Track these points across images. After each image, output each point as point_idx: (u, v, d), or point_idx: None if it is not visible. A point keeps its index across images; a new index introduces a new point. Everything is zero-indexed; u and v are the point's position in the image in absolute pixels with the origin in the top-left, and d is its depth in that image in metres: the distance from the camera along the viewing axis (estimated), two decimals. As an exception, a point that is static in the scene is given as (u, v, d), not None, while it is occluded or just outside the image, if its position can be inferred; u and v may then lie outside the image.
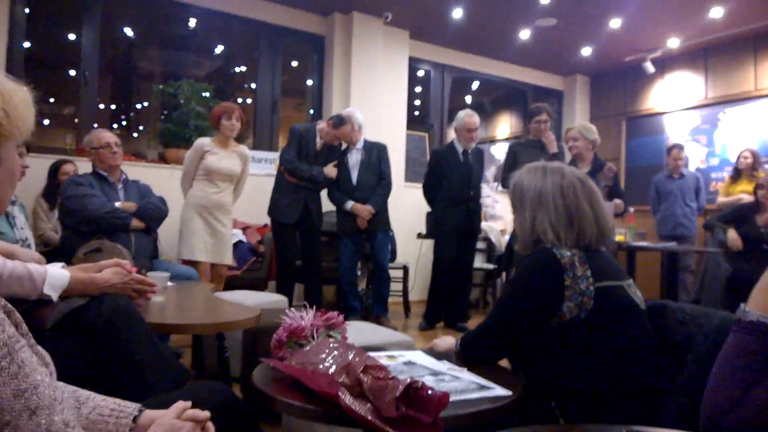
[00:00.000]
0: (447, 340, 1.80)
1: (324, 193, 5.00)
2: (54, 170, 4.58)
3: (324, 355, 1.31)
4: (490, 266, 6.51)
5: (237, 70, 8.59)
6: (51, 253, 3.79)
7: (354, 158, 4.94)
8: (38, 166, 4.54)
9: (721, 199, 6.20)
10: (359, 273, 5.43)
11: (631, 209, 5.10)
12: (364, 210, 4.80)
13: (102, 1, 5.35)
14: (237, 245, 5.00)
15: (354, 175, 4.92)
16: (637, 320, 1.51)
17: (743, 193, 5.83)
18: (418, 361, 1.56)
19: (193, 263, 4.03)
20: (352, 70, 6.29)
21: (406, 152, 6.92)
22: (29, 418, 0.73)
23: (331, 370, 1.24)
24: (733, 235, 4.91)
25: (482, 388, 1.34)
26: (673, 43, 6.79)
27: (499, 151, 9.75)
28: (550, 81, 8.36)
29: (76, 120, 5.50)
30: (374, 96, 6.41)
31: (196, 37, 7.21)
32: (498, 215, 7.14)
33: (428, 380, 1.36)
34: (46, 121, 8.97)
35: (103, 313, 1.64)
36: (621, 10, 5.96)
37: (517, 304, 1.52)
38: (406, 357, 1.60)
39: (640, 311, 1.53)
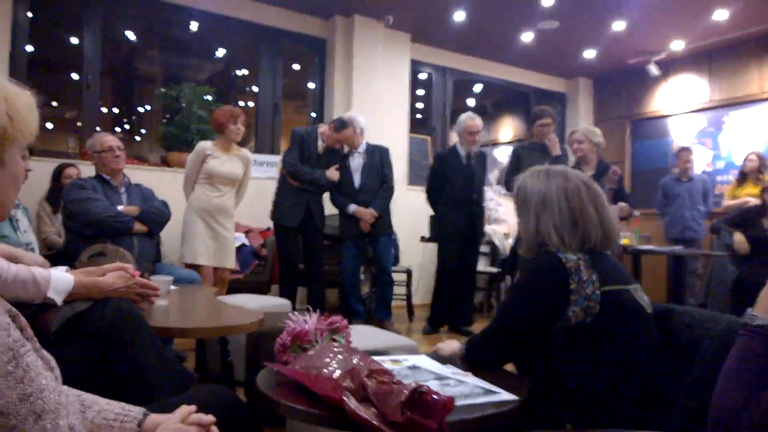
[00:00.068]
0: (451, 344, 1.79)
1: (326, 197, 4.99)
2: (57, 174, 4.60)
3: (328, 360, 1.31)
4: (494, 270, 6.50)
5: (238, 73, 8.60)
6: (54, 256, 3.79)
7: (356, 161, 4.94)
8: (41, 170, 4.55)
9: (726, 202, 6.19)
10: (362, 276, 5.42)
11: (636, 212, 5.09)
12: (367, 213, 4.79)
13: (104, 5, 5.36)
14: (240, 249, 5.00)
15: (356, 179, 4.91)
16: (644, 324, 1.50)
17: (749, 196, 5.82)
18: (422, 365, 1.56)
19: (196, 267, 4.03)
20: (354, 73, 6.29)
21: (409, 155, 6.92)
22: (35, 422, 0.72)
23: (336, 375, 1.24)
24: (739, 239, 4.89)
25: (488, 392, 1.33)
26: (677, 45, 6.78)
27: (502, 154, 9.74)
28: (553, 84, 8.36)
29: (79, 123, 5.51)
30: (376, 99, 6.41)
31: (197, 41, 7.22)
32: (501, 218, 7.13)
33: (433, 385, 1.35)
34: (49, 125, 9.00)
35: (106, 317, 1.64)
36: (624, 12, 5.95)
37: (522, 309, 1.51)
38: (410, 361, 1.59)
39: (646, 315, 1.52)
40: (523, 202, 1.67)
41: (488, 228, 6.44)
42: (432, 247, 5.83)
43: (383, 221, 4.89)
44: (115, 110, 9.95)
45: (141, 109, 10.10)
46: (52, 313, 1.64)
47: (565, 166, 1.81)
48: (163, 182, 4.95)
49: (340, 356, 1.32)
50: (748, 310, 1.07)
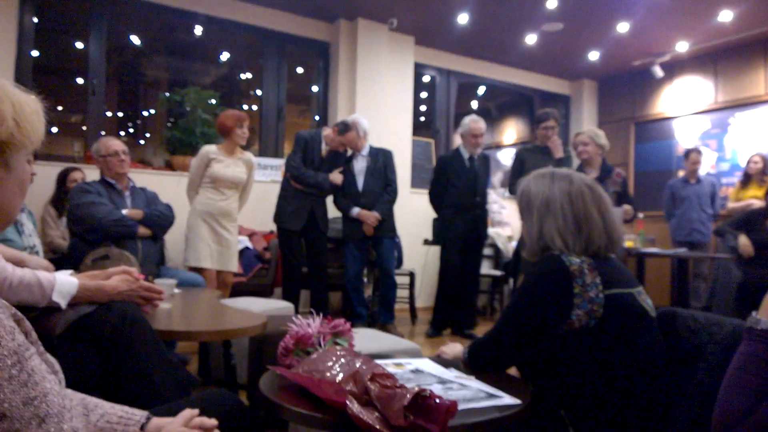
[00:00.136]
0: (454, 347, 1.79)
1: (329, 200, 5.00)
2: (62, 178, 4.61)
3: (331, 363, 1.31)
4: (498, 273, 6.49)
5: (243, 77, 8.63)
6: (59, 260, 3.80)
7: (359, 165, 4.94)
8: (46, 174, 4.57)
9: (730, 204, 6.17)
10: (365, 280, 5.42)
11: (641, 215, 5.07)
12: (371, 217, 4.80)
13: (109, 10, 5.38)
14: (243, 252, 5.01)
15: (360, 182, 4.92)
16: (648, 328, 1.50)
17: (753, 198, 5.80)
18: (425, 369, 1.56)
19: (200, 270, 4.04)
20: (358, 77, 6.30)
21: (412, 158, 6.92)
22: (38, 426, 0.73)
23: (339, 378, 1.24)
24: (744, 241, 4.87)
25: (491, 396, 1.33)
26: (682, 47, 6.77)
27: (506, 157, 9.73)
28: (557, 86, 8.35)
29: (84, 128, 5.53)
30: (379, 102, 6.41)
31: (202, 45, 7.25)
32: (505, 221, 7.12)
33: (436, 388, 1.35)
34: (54, 129, 9.03)
35: (110, 321, 1.64)
36: (629, 14, 5.95)
37: (526, 312, 1.51)
38: (413, 365, 1.59)
39: (650, 319, 1.52)
40: (527, 205, 1.67)
41: (491, 231, 6.44)
42: (435, 250, 5.83)
43: (386, 224, 4.89)
44: (120, 114, 10.00)
45: (146, 113, 10.14)
46: (56, 316, 1.65)
47: (569, 169, 1.81)
48: (167, 186, 4.97)
49: (343, 360, 1.32)
50: (752, 313, 1.07)
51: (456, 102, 7.54)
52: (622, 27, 6.24)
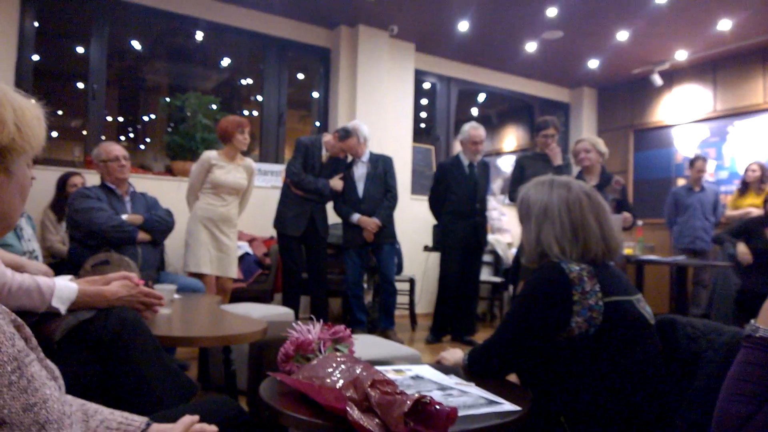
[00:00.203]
0: (455, 353, 1.79)
1: (330, 206, 5.00)
2: (62, 182, 4.61)
3: (331, 369, 1.31)
4: (497, 279, 6.49)
5: (243, 82, 8.64)
6: (59, 264, 3.81)
7: (360, 171, 4.95)
8: (46, 178, 4.57)
9: (728, 212, 6.18)
10: (365, 286, 5.42)
11: (640, 222, 5.08)
12: (371, 223, 4.80)
13: (110, 15, 5.40)
14: (243, 257, 5.01)
15: (360, 188, 4.92)
16: (647, 335, 1.50)
17: (751, 207, 5.81)
18: (425, 375, 1.56)
19: (200, 276, 4.04)
20: (358, 83, 6.31)
21: (412, 165, 6.93)
22: (38, 433, 0.73)
23: (339, 385, 1.24)
24: (742, 249, 4.88)
25: (491, 403, 1.33)
26: (681, 55, 6.79)
27: (506, 164, 9.75)
28: (557, 93, 8.37)
29: (84, 132, 5.54)
30: (380, 108, 6.43)
31: (202, 51, 7.27)
32: (504, 228, 7.13)
33: (436, 395, 1.35)
34: (55, 134, 9.04)
35: (110, 326, 1.64)
36: (628, 22, 5.97)
37: (526, 319, 1.51)
38: (413, 371, 1.59)
39: (649, 326, 1.52)
40: (526, 212, 1.68)
41: (491, 237, 6.44)
42: (435, 257, 5.82)
43: (387, 231, 4.90)
44: (121, 119, 10.01)
45: (146, 118, 10.15)
46: (56, 322, 1.64)
47: (569, 176, 1.82)
48: (167, 191, 4.97)
49: (343, 366, 1.32)
50: (751, 321, 1.07)
51: (456, 109, 7.56)
52: (622, 35, 6.26)
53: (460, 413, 1.17)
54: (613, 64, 7.23)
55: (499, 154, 10.17)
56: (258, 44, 6.26)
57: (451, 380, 1.51)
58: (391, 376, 1.47)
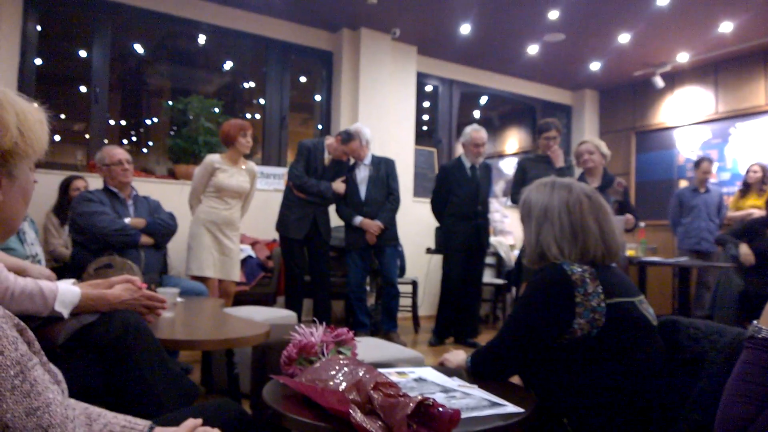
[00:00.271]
0: (458, 355, 1.79)
1: (332, 209, 5.00)
2: (65, 186, 4.62)
3: (334, 372, 1.31)
4: (500, 281, 6.48)
5: (246, 86, 8.66)
6: (61, 268, 3.81)
7: (362, 174, 4.95)
8: (49, 182, 4.58)
9: (730, 213, 6.17)
10: (368, 288, 5.42)
11: (642, 224, 5.07)
12: (373, 225, 4.80)
13: (112, 19, 5.41)
14: (246, 260, 5.02)
15: (362, 191, 4.93)
16: (649, 337, 1.50)
17: (753, 208, 5.80)
18: (428, 377, 1.55)
19: (202, 279, 4.05)
20: (360, 86, 6.32)
21: (414, 167, 6.93)
22: (41, 436, 0.73)
23: (342, 387, 1.24)
24: (745, 250, 4.87)
25: (494, 405, 1.33)
26: (683, 57, 6.78)
27: (508, 166, 9.75)
28: (559, 96, 8.37)
29: (87, 136, 5.55)
30: (382, 111, 6.43)
31: (205, 54, 7.28)
32: (507, 230, 7.12)
33: (439, 397, 1.35)
34: (57, 137, 9.03)
35: (113, 330, 1.64)
36: (630, 25, 5.97)
37: (528, 321, 1.51)
38: (416, 373, 1.59)
39: (651, 328, 1.52)
40: (527, 213, 1.69)
41: (494, 239, 6.44)
42: (437, 259, 5.82)
43: (389, 233, 4.90)
44: (123, 123, 10.04)
45: (148, 122, 10.18)
46: (59, 325, 1.64)
47: (571, 178, 1.82)
48: (170, 194, 4.98)
49: (346, 369, 1.32)
50: (753, 322, 1.07)
51: (458, 111, 7.56)
52: (624, 38, 6.26)
53: (463, 415, 1.17)
54: (614, 66, 7.23)
55: (501, 156, 10.17)
56: (260, 47, 6.27)
57: (454, 382, 1.51)
58: (394, 378, 1.47)
